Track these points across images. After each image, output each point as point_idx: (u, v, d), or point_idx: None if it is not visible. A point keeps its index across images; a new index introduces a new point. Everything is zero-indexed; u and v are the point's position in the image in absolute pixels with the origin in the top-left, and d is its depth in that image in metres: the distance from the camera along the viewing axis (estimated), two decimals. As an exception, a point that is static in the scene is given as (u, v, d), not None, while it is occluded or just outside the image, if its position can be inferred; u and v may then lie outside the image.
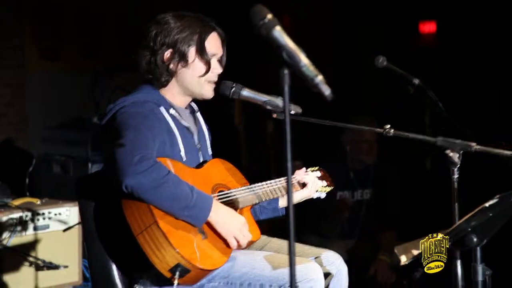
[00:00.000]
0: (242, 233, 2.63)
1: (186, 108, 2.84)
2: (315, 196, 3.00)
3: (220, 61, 2.80)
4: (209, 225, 2.59)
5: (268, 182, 2.84)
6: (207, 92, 2.78)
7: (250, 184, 2.82)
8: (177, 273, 2.48)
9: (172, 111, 2.72)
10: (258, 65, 5.97)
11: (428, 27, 6.15)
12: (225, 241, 2.62)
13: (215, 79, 2.79)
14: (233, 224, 2.61)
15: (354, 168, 4.86)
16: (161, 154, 2.61)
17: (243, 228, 2.63)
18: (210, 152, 2.89)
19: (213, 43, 2.77)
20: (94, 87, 5.54)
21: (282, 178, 2.86)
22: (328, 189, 3.04)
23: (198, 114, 2.90)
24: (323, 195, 3.04)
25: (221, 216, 2.59)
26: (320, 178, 3.02)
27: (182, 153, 2.69)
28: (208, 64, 2.75)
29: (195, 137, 2.80)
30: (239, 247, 2.65)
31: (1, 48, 5.81)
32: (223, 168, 2.82)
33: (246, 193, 2.77)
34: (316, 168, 3.06)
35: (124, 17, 6.25)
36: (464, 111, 4.58)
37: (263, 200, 2.82)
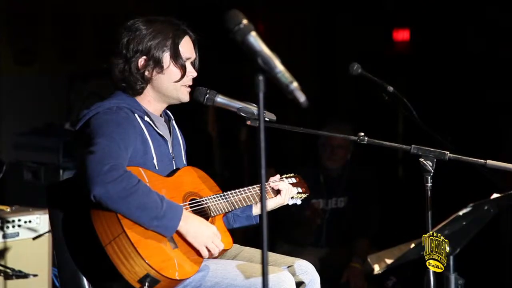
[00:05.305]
0: (213, 243, 2.60)
1: (161, 116, 2.82)
2: (290, 203, 2.98)
3: (193, 64, 2.79)
4: (180, 235, 2.56)
5: (241, 189, 2.82)
6: (184, 95, 2.77)
7: (222, 192, 2.80)
8: (147, 284, 2.45)
9: (146, 118, 2.70)
10: (233, 71, 5.96)
11: (402, 35, 6.18)
12: (196, 251, 2.60)
13: (191, 82, 2.78)
14: (204, 234, 2.58)
15: (325, 174, 4.85)
16: (133, 162, 2.58)
17: (214, 238, 2.60)
18: (184, 161, 2.86)
19: (187, 47, 2.76)
20: (68, 92, 5.48)
21: (256, 185, 2.84)
22: (304, 196, 3.03)
23: (173, 122, 2.88)
24: (299, 202, 3.02)
25: (191, 226, 2.55)
26: (295, 184, 3.01)
27: (155, 161, 2.66)
28: (183, 69, 2.73)
29: (169, 145, 2.77)
30: (211, 256, 2.62)
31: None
32: (195, 176, 2.79)
33: (218, 201, 2.75)
34: (291, 174, 3.05)
35: (100, 21, 6.19)
36: (438, 119, 4.59)
37: (236, 207, 2.79)
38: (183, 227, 2.54)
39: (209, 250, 2.59)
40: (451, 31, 5.57)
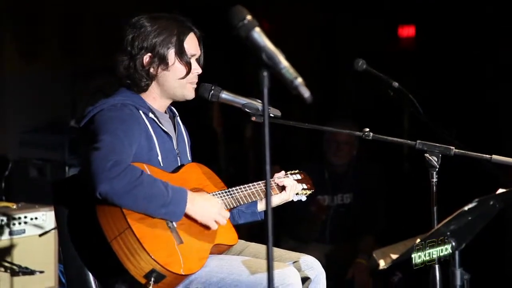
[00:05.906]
0: (220, 215, 2.64)
1: (165, 112, 2.82)
2: (295, 199, 2.98)
3: (198, 61, 2.79)
4: (188, 217, 2.58)
5: (246, 185, 2.82)
6: (189, 92, 2.77)
7: (227, 188, 2.80)
8: (152, 279, 2.45)
9: (151, 115, 2.70)
10: (237, 67, 5.96)
11: (407, 31, 6.17)
12: (202, 241, 2.61)
13: (196, 79, 2.78)
14: (210, 210, 2.62)
15: (330, 170, 4.85)
16: (138, 158, 2.58)
17: (221, 210, 2.65)
18: (189, 157, 2.87)
19: (191, 44, 2.76)
20: (72, 89, 5.49)
21: (261, 182, 2.84)
22: (309, 192, 3.03)
23: (178, 119, 2.88)
24: (304, 198, 3.03)
25: (198, 207, 2.58)
26: (300, 181, 3.01)
27: (160, 157, 2.67)
28: (188, 65, 2.73)
29: (174, 142, 2.78)
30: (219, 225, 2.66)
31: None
32: (200, 172, 2.80)
33: (223, 197, 2.75)
34: (296, 171, 3.05)
35: (104, 18, 6.20)
36: (443, 114, 4.59)
37: (241, 203, 2.80)
38: (190, 209, 2.56)
39: (217, 222, 2.64)
40: (456, 28, 5.56)
